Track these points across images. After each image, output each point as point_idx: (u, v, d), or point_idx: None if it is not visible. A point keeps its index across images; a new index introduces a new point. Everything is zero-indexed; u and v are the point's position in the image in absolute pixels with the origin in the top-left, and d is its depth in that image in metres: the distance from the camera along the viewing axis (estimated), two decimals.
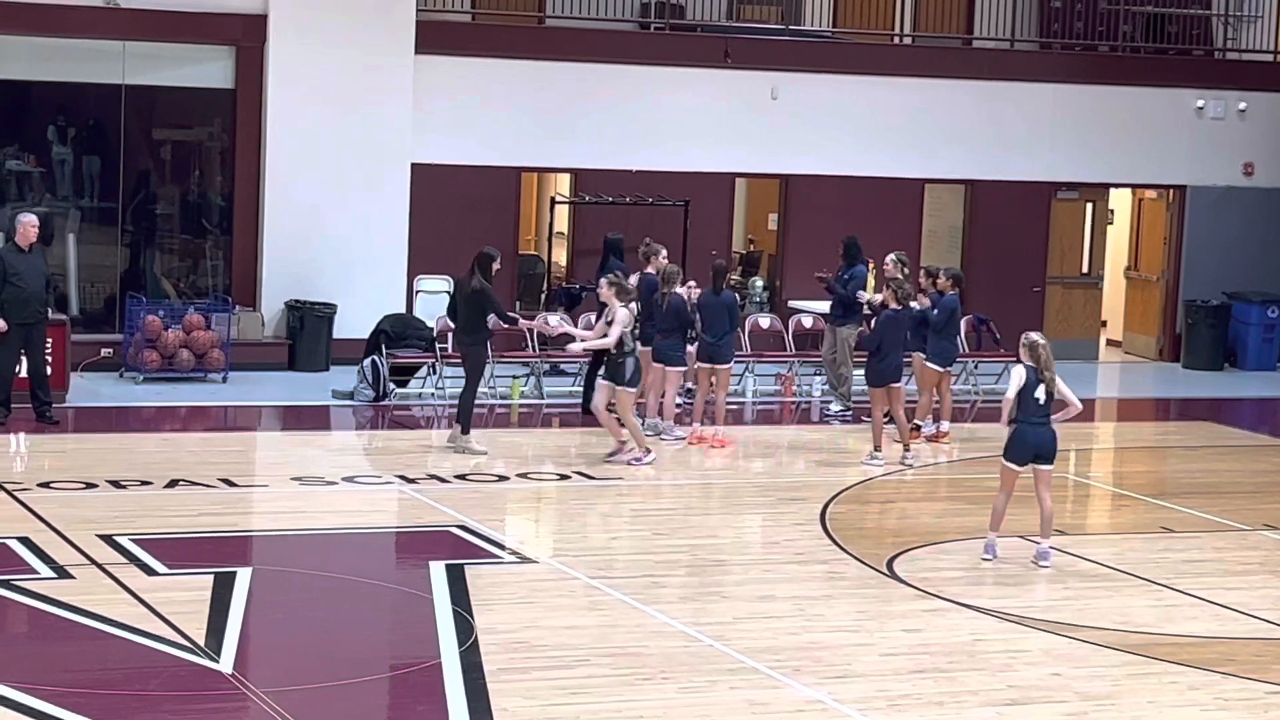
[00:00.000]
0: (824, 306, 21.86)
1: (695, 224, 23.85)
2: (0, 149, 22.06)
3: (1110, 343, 27.46)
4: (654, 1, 25.16)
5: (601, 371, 17.79)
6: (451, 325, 19.74)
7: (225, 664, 10.97)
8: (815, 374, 21.89)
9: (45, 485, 15.61)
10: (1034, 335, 14.35)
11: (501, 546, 14.36)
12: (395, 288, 22.65)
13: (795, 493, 16.79)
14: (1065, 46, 26.45)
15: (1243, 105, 26.41)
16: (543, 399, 20.98)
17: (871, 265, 20.66)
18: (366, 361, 20.51)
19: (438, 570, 13.28)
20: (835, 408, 20.86)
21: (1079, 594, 13.60)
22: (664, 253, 19.56)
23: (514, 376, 21.05)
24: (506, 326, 18.65)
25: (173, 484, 15.87)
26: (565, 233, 24.75)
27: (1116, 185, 26.89)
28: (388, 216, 22.65)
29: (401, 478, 16.59)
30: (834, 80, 24.68)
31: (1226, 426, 21.89)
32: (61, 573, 12.84)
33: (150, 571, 12.96)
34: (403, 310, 22.27)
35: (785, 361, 22.47)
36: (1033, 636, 12.40)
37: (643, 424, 19.02)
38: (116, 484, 15.79)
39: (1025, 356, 14.18)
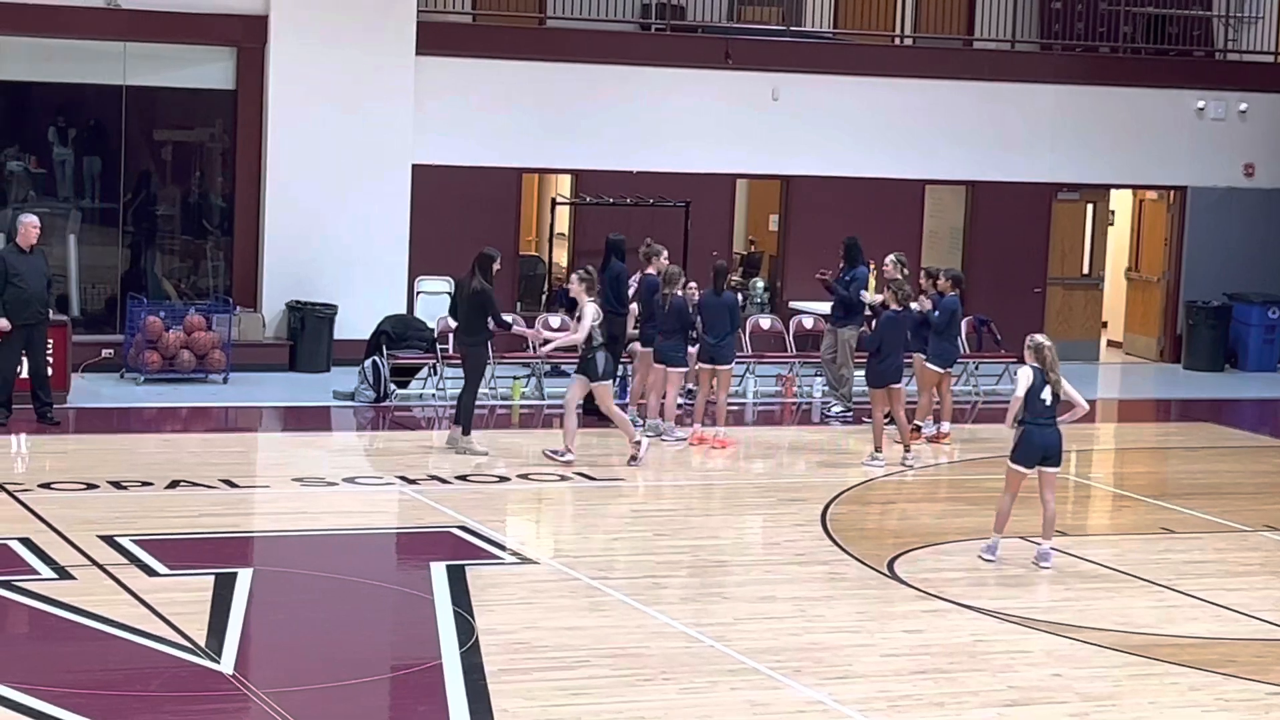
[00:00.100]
0: (825, 308, 21.86)
1: (696, 225, 23.85)
2: (1, 150, 22.07)
3: (1111, 344, 27.46)
4: (655, 2, 25.17)
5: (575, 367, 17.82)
6: (453, 326, 19.75)
7: (226, 665, 10.97)
8: (816, 375, 21.89)
9: (46, 486, 15.61)
10: (1039, 337, 14.36)
11: (502, 547, 14.36)
12: (396, 289, 22.66)
13: (796, 494, 16.78)
14: (1066, 47, 26.45)
15: (1243, 106, 26.41)
16: (544, 400, 20.98)
17: (872, 266, 20.67)
18: (367, 362, 20.52)
19: (438, 571, 13.28)
20: (836, 409, 20.86)
21: (1080, 595, 13.60)
22: (665, 253, 19.57)
23: (515, 377, 21.07)
24: (500, 331, 18.64)
25: (174, 485, 15.87)
26: (566, 234, 24.74)
27: (1117, 186, 26.89)
28: (388, 217, 22.65)
29: (402, 478, 16.59)
30: (835, 81, 24.68)
31: (1227, 427, 21.89)
32: (62, 573, 12.84)
33: (151, 572, 12.96)
34: (403, 311, 22.28)
35: (786, 362, 22.47)
36: (1034, 637, 12.40)
37: (644, 424, 19.06)
38: (117, 485, 15.79)
39: (1031, 358, 14.17)
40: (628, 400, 19.82)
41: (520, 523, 15.91)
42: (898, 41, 26.59)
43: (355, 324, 21.77)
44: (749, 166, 24.67)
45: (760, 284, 25.08)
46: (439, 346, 20.87)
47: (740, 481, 17.72)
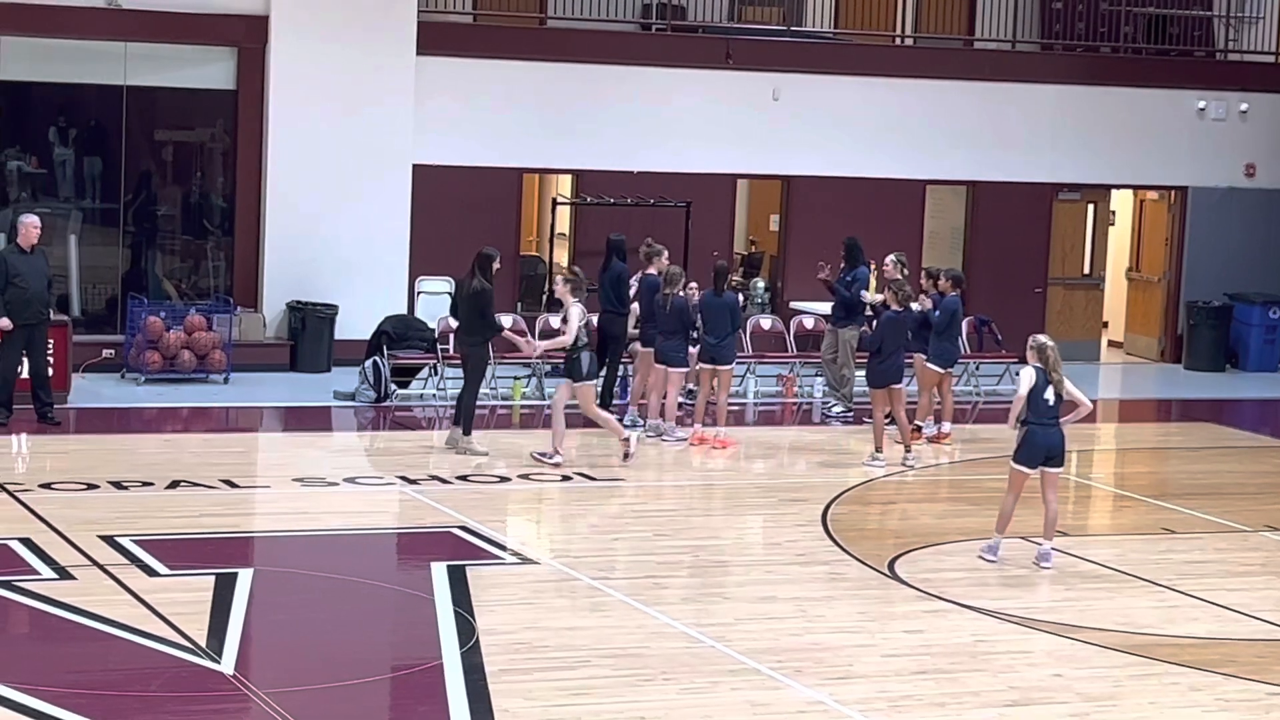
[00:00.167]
0: (825, 308, 21.86)
1: (697, 225, 23.85)
2: (2, 150, 22.07)
3: (1112, 344, 27.46)
4: (655, 2, 25.16)
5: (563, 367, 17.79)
6: (454, 326, 19.75)
7: (227, 665, 10.97)
8: (817, 375, 21.89)
9: (47, 486, 15.61)
10: (1041, 338, 14.35)
11: (503, 547, 14.36)
12: (396, 289, 22.66)
13: (797, 494, 16.78)
14: (1066, 48, 26.45)
15: (1244, 106, 26.41)
16: (544, 400, 20.96)
17: (873, 266, 20.66)
18: (368, 362, 20.52)
19: (439, 571, 13.28)
20: (836, 409, 20.86)
21: (1081, 595, 13.60)
22: (666, 254, 19.58)
23: (515, 377, 21.07)
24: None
25: (174, 485, 15.87)
26: (567, 234, 24.74)
27: (1118, 186, 26.89)
28: (389, 217, 22.65)
29: (403, 479, 16.59)
30: (835, 81, 24.68)
31: (1228, 428, 21.89)
32: (63, 573, 12.84)
33: (151, 572, 12.96)
34: (404, 311, 22.28)
35: (787, 362, 22.47)
36: (1034, 637, 12.40)
37: (644, 425, 19.07)
38: (118, 485, 15.79)
39: (1034, 359, 14.17)
40: (628, 400, 19.83)
41: (521, 523, 15.91)
42: (898, 42, 26.59)
43: (356, 324, 21.78)
44: (750, 167, 24.67)
45: (761, 284, 25.07)
46: (439, 347, 20.87)
47: (741, 482, 17.72)
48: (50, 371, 18.62)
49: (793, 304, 23.95)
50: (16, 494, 15.16)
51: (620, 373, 20.23)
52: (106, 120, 22.34)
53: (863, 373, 18.97)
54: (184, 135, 23.30)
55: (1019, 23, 26.43)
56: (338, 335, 22.12)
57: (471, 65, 23.19)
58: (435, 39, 22.88)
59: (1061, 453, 14.26)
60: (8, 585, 12.43)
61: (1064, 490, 16.36)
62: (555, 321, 21.33)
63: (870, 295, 20.26)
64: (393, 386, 20.62)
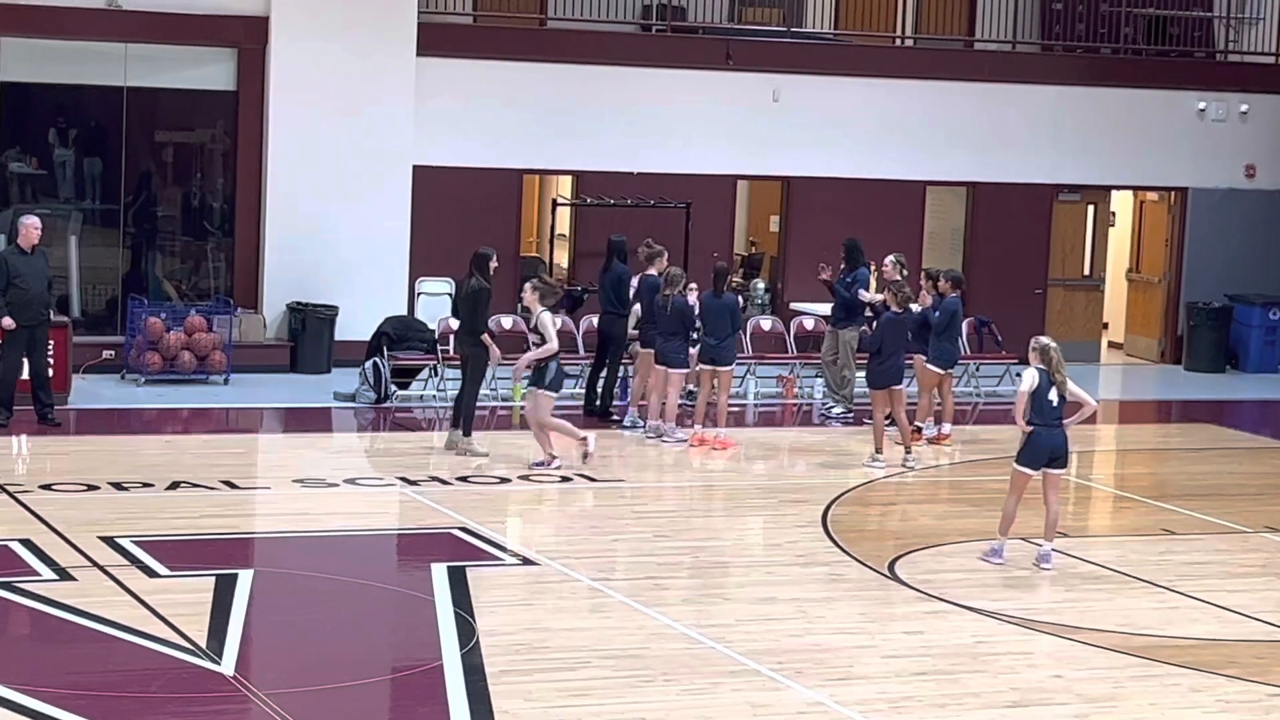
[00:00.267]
0: (825, 309, 21.85)
1: (697, 226, 23.85)
2: (2, 151, 22.07)
3: (1112, 345, 27.45)
4: (655, 3, 25.16)
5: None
6: (454, 327, 19.73)
7: (227, 666, 10.97)
8: (817, 376, 21.88)
9: (47, 487, 15.61)
10: (1044, 339, 14.34)
11: (503, 548, 14.36)
12: (397, 290, 22.65)
13: (797, 495, 16.78)
14: (1067, 49, 26.44)
15: (1244, 107, 26.40)
16: None
17: (873, 267, 20.66)
18: (368, 363, 20.51)
19: (439, 572, 13.28)
20: (836, 410, 20.86)
21: (1081, 596, 13.59)
22: (666, 255, 19.57)
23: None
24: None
25: (174, 486, 15.87)
26: (567, 235, 24.75)
27: (1118, 187, 26.89)
28: (389, 218, 22.65)
29: (403, 480, 16.59)
30: (836, 82, 24.68)
31: (1228, 429, 21.89)
32: (63, 574, 12.84)
33: (152, 573, 12.95)
34: (404, 312, 22.28)
35: (787, 363, 22.47)
36: (1035, 639, 12.40)
37: (645, 426, 19.06)
38: (118, 486, 15.78)
39: (1036, 360, 14.16)
40: (629, 402, 19.82)
41: (521, 524, 15.90)
42: (898, 42, 26.59)
43: (356, 325, 21.77)
44: (750, 167, 24.67)
45: (761, 285, 25.07)
46: (439, 348, 20.86)
47: (741, 483, 17.71)
48: (50, 372, 18.61)
49: (793, 305, 23.95)
50: (17, 495, 15.16)
51: (620, 374, 20.21)
52: (107, 121, 22.34)
53: (863, 374, 18.97)
54: (184, 136, 23.29)
55: (1019, 24, 26.43)
56: (338, 336, 22.11)
57: (471, 66, 23.20)
58: (435, 39, 22.88)
59: (1065, 454, 14.26)
60: (8, 586, 12.43)
61: (1064, 491, 16.35)
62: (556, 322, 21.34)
63: (868, 295, 20.25)
64: (393, 387, 20.62)
